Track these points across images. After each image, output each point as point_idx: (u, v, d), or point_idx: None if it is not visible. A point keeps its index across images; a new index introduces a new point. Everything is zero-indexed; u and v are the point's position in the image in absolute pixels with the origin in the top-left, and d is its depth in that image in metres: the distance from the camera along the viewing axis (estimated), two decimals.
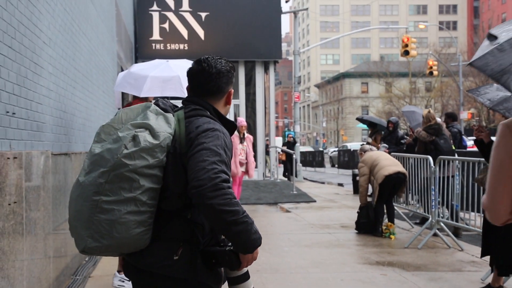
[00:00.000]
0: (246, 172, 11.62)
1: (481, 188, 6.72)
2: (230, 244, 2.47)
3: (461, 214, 9.21)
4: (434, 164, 8.53)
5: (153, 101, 2.65)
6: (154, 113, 2.50)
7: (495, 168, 2.25)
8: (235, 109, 18.92)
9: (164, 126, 2.46)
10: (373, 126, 14.17)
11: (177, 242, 2.44)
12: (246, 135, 11.86)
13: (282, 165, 24.47)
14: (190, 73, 2.65)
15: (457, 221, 8.64)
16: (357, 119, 16.51)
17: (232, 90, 2.72)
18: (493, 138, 5.77)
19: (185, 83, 5.48)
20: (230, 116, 18.75)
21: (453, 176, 8.68)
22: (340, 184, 21.17)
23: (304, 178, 23.78)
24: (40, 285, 4.77)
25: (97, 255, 2.49)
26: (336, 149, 43.17)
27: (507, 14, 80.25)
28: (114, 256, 2.61)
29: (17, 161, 4.04)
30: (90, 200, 2.35)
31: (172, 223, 2.46)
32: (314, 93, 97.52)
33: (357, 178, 10.69)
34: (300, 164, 23.85)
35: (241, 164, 11.55)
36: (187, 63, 5.69)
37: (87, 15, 7.68)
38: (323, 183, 22.67)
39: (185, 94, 5.24)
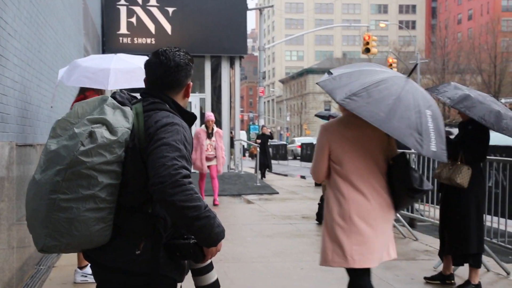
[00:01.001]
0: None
1: (436, 181, 6.84)
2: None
3: (417, 206, 9.35)
4: None
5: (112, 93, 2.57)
6: (111, 107, 2.40)
7: (318, 150, 3.92)
8: (201, 102, 18.85)
9: (122, 121, 2.37)
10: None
11: (139, 237, 2.38)
12: (216, 129, 11.72)
13: (247, 158, 24.21)
14: (148, 65, 2.57)
15: (412, 212, 8.80)
16: (316, 115, 16.40)
17: (191, 83, 2.64)
18: (456, 130, 5.86)
19: None
20: (197, 110, 18.69)
21: None
22: (303, 177, 21.31)
23: (268, 171, 23.84)
24: (3, 275, 4.69)
25: (57, 252, 2.43)
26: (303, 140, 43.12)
27: (462, 15, 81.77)
28: (74, 253, 2.55)
29: None
30: (47, 199, 2.27)
31: (133, 218, 2.40)
32: (279, 88, 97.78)
33: None
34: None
35: (208, 159, 11.42)
36: (141, 58, 5.62)
37: (53, 7, 7.53)
38: (286, 175, 22.78)
39: None
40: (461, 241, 5.49)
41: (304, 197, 13.56)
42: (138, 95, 2.63)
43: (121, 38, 17.78)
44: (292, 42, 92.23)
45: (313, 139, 37.34)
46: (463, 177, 5.33)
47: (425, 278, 5.98)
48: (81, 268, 5.58)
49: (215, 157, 11.50)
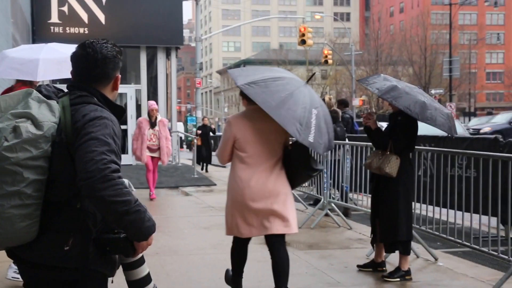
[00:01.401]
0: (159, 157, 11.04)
1: (368, 171, 7.02)
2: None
3: (351, 195, 9.56)
4: None
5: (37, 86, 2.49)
6: (37, 101, 2.34)
7: (224, 140, 4.65)
8: (136, 94, 18.58)
9: (48, 115, 2.32)
10: None
11: (67, 233, 2.34)
12: (160, 118, 11.27)
13: (185, 150, 23.90)
14: (74, 58, 2.50)
15: (346, 201, 8.99)
16: None
17: (119, 76, 2.60)
18: (384, 124, 6.06)
19: None
20: (132, 101, 18.40)
21: (341, 159, 8.99)
22: None
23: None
24: None
25: None
26: None
27: (394, 7, 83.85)
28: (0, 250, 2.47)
29: None
30: None
31: (61, 213, 2.35)
32: (216, 79, 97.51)
33: None
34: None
35: (151, 150, 10.98)
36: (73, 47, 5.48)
37: None
38: (224, 167, 22.75)
39: None
40: (391, 228, 5.66)
41: None
42: (65, 88, 2.55)
43: (52, 28, 17.26)
44: (229, 33, 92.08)
45: None
46: (392, 166, 5.49)
47: (358, 266, 6.13)
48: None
49: (159, 148, 11.04)
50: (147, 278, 2.53)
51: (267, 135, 4.56)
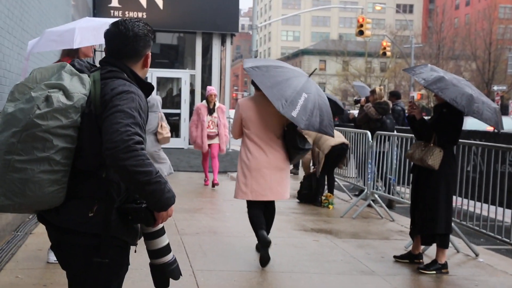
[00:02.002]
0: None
1: (408, 162, 6.93)
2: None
3: (397, 188, 9.47)
4: (372, 139, 8.75)
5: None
6: (69, 74, 2.47)
7: (235, 119, 5.68)
8: (191, 79, 18.84)
9: (79, 87, 2.44)
10: None
11: (92, 200, 2.47)
12: (218, 105, 11.00)
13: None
14: (107, 35, 2.63)
15: (392, 193, 8.91)
16: None
17: (150, 53, 2.70)
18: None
19: None
20: (186, 86, 18.69)
21: (388, 152, 8.91)
22: None
23: None
24: None
25: (11, 212, 2.50)
26: None
27: (460, 0, 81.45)
28: (29, 213, 2.63)
29: None
30: (2, 159, 2.34)
31: (88, 181, 2.47)
32: None
33: None
34: None
35: (209, 137, 10.76)
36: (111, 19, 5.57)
37: None
38: None
39: None
40: (429, 221, 5.61)
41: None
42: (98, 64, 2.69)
43: (112, 11, 17.67)
44: (289, 22, 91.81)
45: None
46: (435, 158, 5.43)
47: (395, 256, 6.11)
48: None
49: (217, 135, 10.85)
50: (167, 248, 2.63)
51: (268, 116, 5.59)
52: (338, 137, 9.17)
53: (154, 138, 9.38)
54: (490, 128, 9.60)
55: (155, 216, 2.51)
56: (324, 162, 9.12)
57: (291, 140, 5.61)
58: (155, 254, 2.62)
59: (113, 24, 2.62)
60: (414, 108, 5.80)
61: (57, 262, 5.34)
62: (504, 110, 34.46)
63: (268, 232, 5.76)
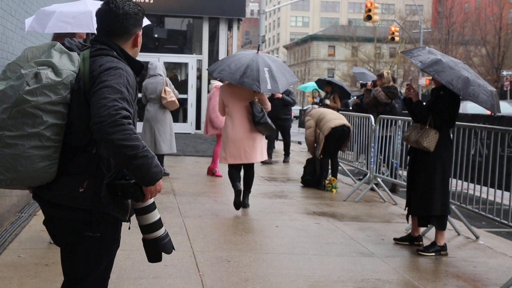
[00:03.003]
0: None
1: (405, 144, 6.90)
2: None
3: (400, 172, 9.46)
4: (375, 123, 8.74)
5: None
6: (58, 52, 2.51)
7: (219, 101, 7.36)
8: (198, 64, 18.82)
9: (68, 64, 2.48)
10: (331, 86, 13.94)
11: (82, 176, 2.51)
12: None
13: None
14: (98, 13, 2.66)
15: (395, 177, 8.91)
16: (316, 82, 15.92)
17: (140, 33, 2.72)
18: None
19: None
20: (193, 71, 18.69)
21: (393, 136, 8.90)
22: (299, 142, 21.37)
23: None
24: None
25: (4, 188, 2.54)
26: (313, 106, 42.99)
27: None
28: (22, 189, 2.68)
29: None
30: None
31: (78, 157, 2.52)
32: (283, 54, 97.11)
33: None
34: None
35: None
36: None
37: None
38: (281, 140, 22.80)
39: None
40: (425, 202, 5.62)
41: (294, 161, 13.67)
42: None
43: None
44: (298, 8, 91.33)
45: (310, 106, 37.19)
46: (430, 141, 5.43)
47: (395, 239, 6.14)
48: None
49: None
50: (158, 223, 2.67)
51: (240, 97, 7.06)
52: (339, 119, 9.17)
53: (159, 105, 9.26)
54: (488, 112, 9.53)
55: (144, 192, 2.55)
56: (325, 144, 9.12)
57: (252, 115, 6.98)
58: (146, 229, 2.66)
59: (104, 2, 2.66)
60: (411, 90, 5.79)
61: None
62: None
63: (249, 192, 7.46)
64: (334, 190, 9.20)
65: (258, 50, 7.56)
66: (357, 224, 6.94)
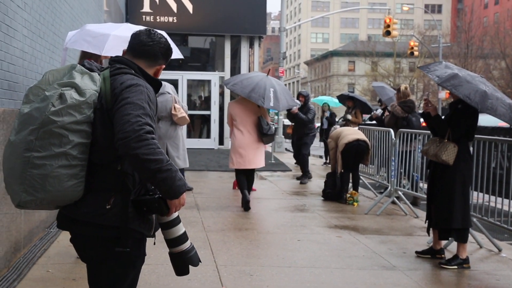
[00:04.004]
0: None
1: (425, 158, 6.83)
2: (159, 193, 2.57)
3: (421, 185, 9.35)
4: (394, 137, 8.66)
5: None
6: (80, 73, 2.54)
7: (228, 115, 8.60)
8: (220, 81, 18.92)
9: (90, 84, 2.51)
10: (352, 101, 13.86)
11: (109, 192, 2.52)
12: None
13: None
14: (135, 34, 2.73)
15: (416, 191, 8.80)
16: (337, 97, 15.87)
17: (163, 66, 2.78)
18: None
19: None
20: (216, 88, 18.77)
21: (415, 150, 8.81)
22: (320, 156, 21.28)
23: (286, 149, 23.88)
24: (9, 234, 4.89)
25: (33, 208, 2.55)
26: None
27: None
28: (50, 210, 2.69)
29: None
30: (21, 157, 2.41)
31: (104, 174, 2.53)
32: (304, 70, 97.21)
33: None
34: (282, 136, 23.83)
35: None
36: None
37: None
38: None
39: None
40: (445, 215, 5.53)
41: (316, 175, 13.58)
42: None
43: (144, 16, 17.91)
44: (318, 24, 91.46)
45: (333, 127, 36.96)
46: (449, 154, 5.36)
47: (416, 252, 6.05)
48: None
49: None
50: (184, 237, 2.66)
51: (247, 111, 8.24)
52: (353, 134, 9.14)
53: (170, 122, 9.29)
54: (502, 124, 9.38)
55: (168, 205, 2.56)
56: (344, 159, 9.11)
57: (259, 126, 8.17)
58: (172, 242, 2.66)
59: (145, 29, 2.76)
60: (429, 105, 5.74)
61: None
62: None
63: (249, 192, 8.50)
64: (355, 203, 9.12)
65: (268, 73, 8.90)
66: (378, 237, 6.86)
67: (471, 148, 6.03)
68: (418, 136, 8.69)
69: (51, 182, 2.41)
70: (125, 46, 5.12)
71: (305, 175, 12.09)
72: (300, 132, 12.28)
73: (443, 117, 5.83)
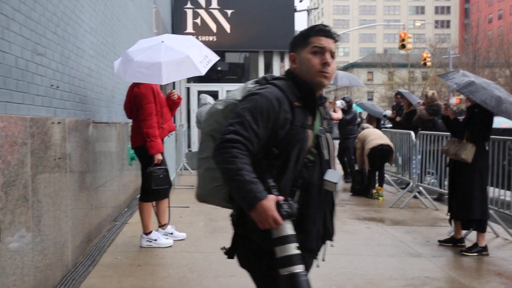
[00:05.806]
0: None
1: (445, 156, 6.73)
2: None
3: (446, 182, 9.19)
4: (415, 138, 8.55)
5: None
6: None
7: None
8: None
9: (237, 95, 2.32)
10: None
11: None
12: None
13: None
14: None
15: (440, 187, 8.62)
16: (357, 104, 15.76)
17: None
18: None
19: (196, 60, 4.98)
20: None
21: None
22: None
23: None
24: (83, 227, 4.97)
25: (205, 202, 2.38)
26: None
27: (493, 14, 78.35)
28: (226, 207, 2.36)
29: (60, 126, 4.19)
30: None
31: None
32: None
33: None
34: None
35: None
36: (185, 41, 5.34)
37: (126, 10, 7.78)
38: None
39: (200, 71, 5.14)
40: (465, 208, 5.44)
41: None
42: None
43: None
44: (340, 40, 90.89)
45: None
46: (468, 153, 5.28)
47: (439, 241, 5.94)
48: (146, 234, 5.53)
49: None
50: (296, 258, 2.02)
51: None
52: (378, 139, 9.03)
53: None
54: (505, 125, 9.16)
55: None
56: (370, 162, 9.03)
57: None
58: (281, 262, 2.02)
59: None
60: (449, 109, 5.69)
61: (148, 246, 5.47)
62: None
63: None
64: (380, 198, 9.02)
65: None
66: (403, 228, 6.76)
67: (487, 148, 5.91)
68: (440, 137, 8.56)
69: (201, 183, 2.36)
70: (178, 68, 5.02)
71: (346, 175, 11.49)
72: (343, 133, 11.85)
73: (459, 118, 5.75)
